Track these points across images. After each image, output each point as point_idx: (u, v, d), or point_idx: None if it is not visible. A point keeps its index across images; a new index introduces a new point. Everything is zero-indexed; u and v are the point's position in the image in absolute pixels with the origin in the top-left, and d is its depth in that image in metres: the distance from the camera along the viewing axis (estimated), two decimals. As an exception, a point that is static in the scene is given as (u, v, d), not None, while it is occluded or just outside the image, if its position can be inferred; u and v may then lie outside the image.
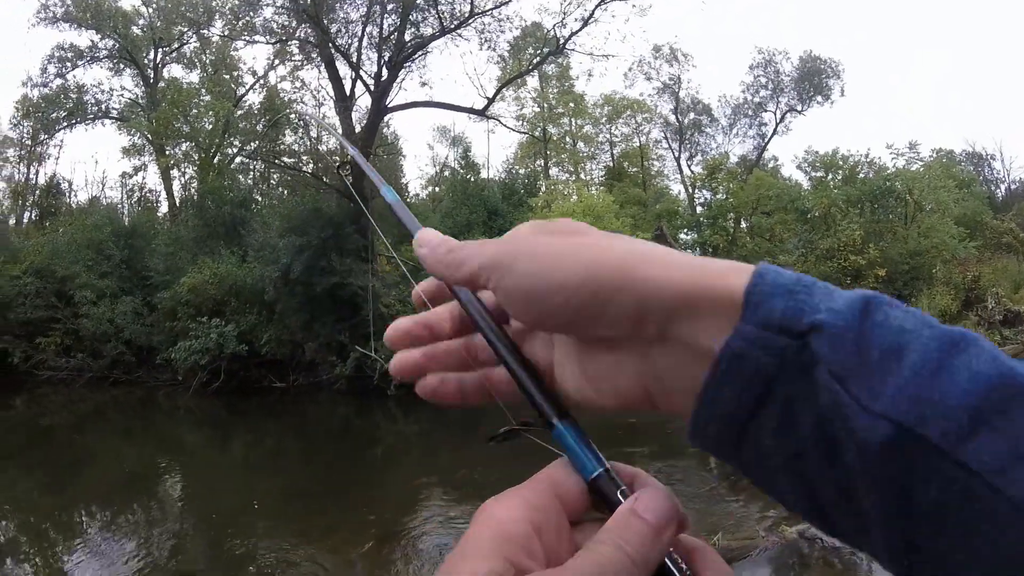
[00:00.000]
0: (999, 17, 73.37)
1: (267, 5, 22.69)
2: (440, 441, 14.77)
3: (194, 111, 30.46)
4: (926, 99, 69.48)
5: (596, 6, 22.10)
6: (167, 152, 32.25)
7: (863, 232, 21.48)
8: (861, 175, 24.59)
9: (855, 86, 34.82)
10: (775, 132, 33.32)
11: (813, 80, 32.02)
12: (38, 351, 22.64)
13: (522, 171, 36.28)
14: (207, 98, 30.60)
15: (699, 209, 30.21)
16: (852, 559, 6.69)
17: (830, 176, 26.67)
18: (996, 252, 25.33)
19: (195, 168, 32.71)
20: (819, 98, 32.16)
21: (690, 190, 32.48)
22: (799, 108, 32.55)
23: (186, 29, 31.82)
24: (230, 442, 16.00)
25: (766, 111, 33.45)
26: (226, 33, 28.16)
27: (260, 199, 29.69)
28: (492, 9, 21.67)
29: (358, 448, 14.57)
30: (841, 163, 26.15)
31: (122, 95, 32.83)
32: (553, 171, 39.18)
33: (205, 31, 30.60)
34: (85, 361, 22.45)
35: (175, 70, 34.25)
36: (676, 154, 35.38)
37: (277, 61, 31.18)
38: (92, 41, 31.69)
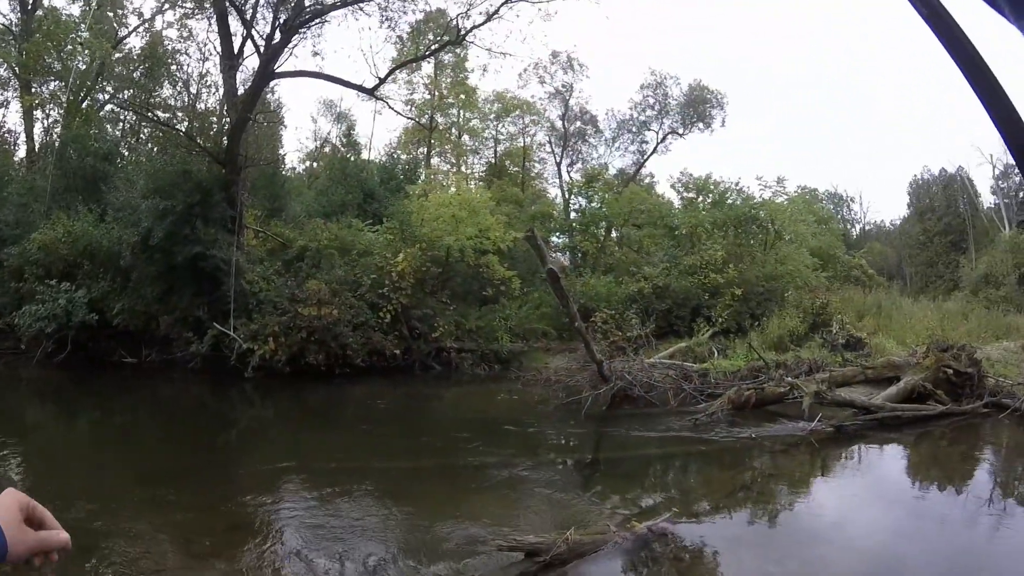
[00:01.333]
0: (870, 75, 78.65)
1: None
2: (298, 426, 14.58)
3: (69, 47, 28.53)
4: (800, 140, 73.87)
5: (502, 3, 22.06)
6: (33, 90, 29.91)
7: (725, 253, 22.83)
8: (729, 201, 25.84)
9: (736, 118, 36.83)
10: (655, 151, 34.74)
11: (698, 108, 33.44)
12: None
13: (404, 157, 36.03)
14: (85, 35, 28.69)
15: (573, 215, 30.94)
16: (700, 552, 7.01)
17: (701, 198, 27.93)
18: (845, 283, 27.35)
19: (60, 112, 30.47)
20: (701, 125, 33.60)
21: (567, 196, 33.27)
22: (681, 132, 33.93)
23: (75, -45, 29.51)
24: (75, 419, 15.10)
25: (649, 130, 34.76)
26: (118, -34, 26.51)
27: (127, 154, 27.90)
28: (399, -13, 21.35)
29: (212, 430, 14.09)
30: (712, 188, 27.33)
31: (-6, 19, 29.91)
32: (435, 160, 39.19)
33: (95, -40, 28.60)
34: (-84, 323, 20.58)
35: (56, -1, 31.61)
36: (557, 159, 36.09)
37: (167, 5, 29.64)
38: (-29, -47, 28.71)
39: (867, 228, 54.25)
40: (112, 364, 19.33)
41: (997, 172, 43.39)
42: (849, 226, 51.40)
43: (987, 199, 45.83)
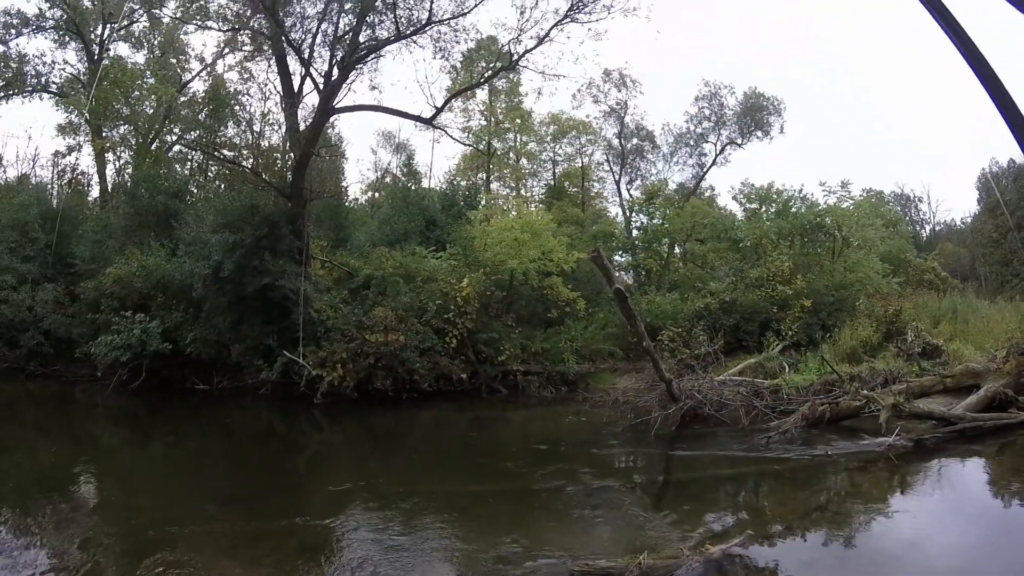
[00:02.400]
0: (932, 69, 76.38)
1: (224, -10, 22.26)
2: (365, 450, 14.67)
3: (136, 93, 29.66)
4: (862, 140, 71.88)
5: (552, 26, 22.09)
6: (104, 134, 31.23)
7: (792, 264, 22.26)
8: (793, 209, 25.24)
9: (794, 124, 35.81)
10: (714, 163, 34.04)
11: (755, 116, 32.69)
12: (-52, 339, 21.49)
13: (464, 183, 36.10)
14: (151, 81, 29.82)
15: (635, 232, 30.74)
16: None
17: (764, 208, 27.28)
18: (918, 288, 26.32)
19: (131, 153, 31.76)
20: (759, 133, 32.91)
21: (627, 213, 33.01)
22: (739, 141, 33.25)
23: (137, 7, 30.78)
24: (148, 443, 15.43)
25: (707, 142, 34.07)
26: (178, 15, 27.49)
27: (195, 191, 28.76)
28: (450, 19, 21.53)
29: (281, 454, 14.26)
30: (775, 197, 26.67)
31: (63, 69, 31.45)
32: (494, 185, 39.26)
33: (156, 11, 29.75)
34: (0, 350, 21.50)
35: (121, 48, 33.15)
36: (616, 177, 35.76)
37: (227, 50, 30.48)
38: (40, 9, 30.40)
39: (937, 228, 52.31)
40: (185, 391, 19.81)
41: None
42: (918, 227, 49.60)
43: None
